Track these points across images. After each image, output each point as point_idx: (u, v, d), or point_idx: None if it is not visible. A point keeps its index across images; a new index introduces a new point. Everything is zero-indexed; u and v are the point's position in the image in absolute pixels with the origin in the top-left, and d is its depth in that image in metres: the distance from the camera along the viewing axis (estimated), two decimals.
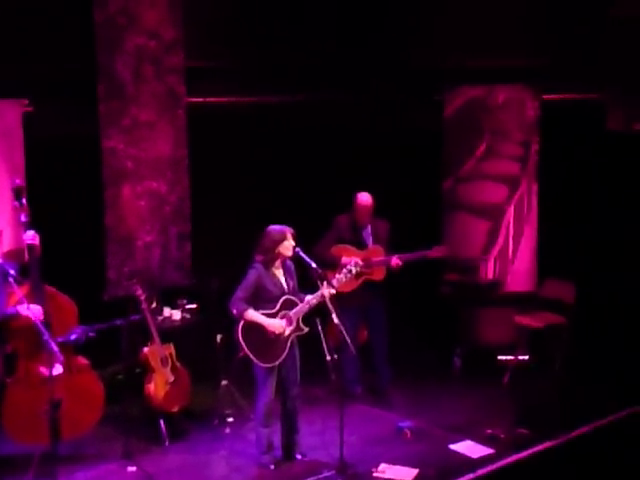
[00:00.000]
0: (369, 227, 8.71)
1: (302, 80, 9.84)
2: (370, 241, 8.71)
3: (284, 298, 7.27)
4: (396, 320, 9.02)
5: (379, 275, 8.63)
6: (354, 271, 7.45)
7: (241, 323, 7.16)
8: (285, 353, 7.25)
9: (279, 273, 7.31)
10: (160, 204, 9.33)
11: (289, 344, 7.27)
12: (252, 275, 7.19)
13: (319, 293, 7.19)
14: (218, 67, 9.48)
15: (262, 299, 7.21)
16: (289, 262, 7.35)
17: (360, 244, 8.67)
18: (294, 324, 7.27)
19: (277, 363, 7.25)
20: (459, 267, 9.98)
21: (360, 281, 8.51)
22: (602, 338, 9.52)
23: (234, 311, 7.14)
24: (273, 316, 7.22)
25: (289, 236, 7.19)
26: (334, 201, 8.84)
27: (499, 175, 9.96)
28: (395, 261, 8.53)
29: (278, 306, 7.24)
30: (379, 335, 8.77)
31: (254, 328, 7.15)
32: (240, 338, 7.14)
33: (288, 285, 7.32)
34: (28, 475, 7.04)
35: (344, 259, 8.37)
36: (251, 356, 7.16)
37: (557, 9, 9.69)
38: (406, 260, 8.57)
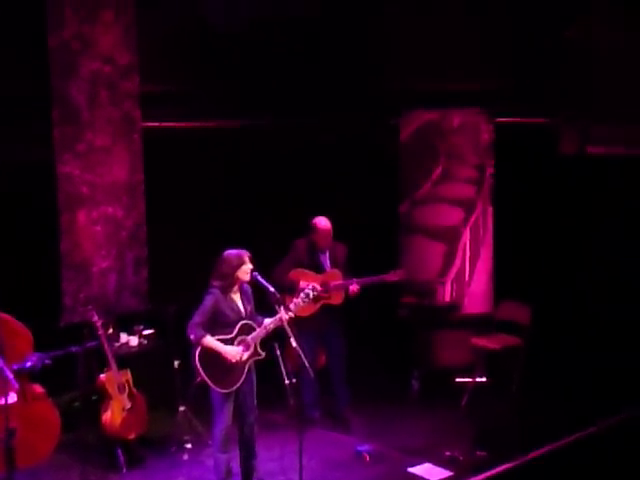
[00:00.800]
0: (327, 251, 8.72)
1: (258, 104, 9.88)
2: (328, 265, 8.72)
3: (242, 323, 7.24)
4: (354, 343, 9.03)
5: (337, 299, 8.64)
6: (312, 295, 7.46)
7: (198, 349, 7.12)
8: (242, 379, 7.22)
9: (236, 297, 7.29)
10: (116, 229, 9.28)
11: (246, 369, 7.25)
12: (209, 300, 7.17)
13: (277, 317, 7.18)
14: (173, 91, 9.47)
15: (219, 324, 7.19)
16: (246, 286, 7.34)
17: (318, 268, 8.68)
18: (252, 349, 7.25)
19: (234, 389, 7.21)
20: (416, 290, 10.03)
21: (318, 305, 8.52)
22: (557, 358, 9.58)
23: (191, 337, 7.11)
24: (231, 341, 7.20)
25: (247, 260, 7.18)
26: (292, 225, 8.85)
27: (455, 198, 10.03)
28: (354, 287, 8.54)
29: (236, 331, 7.22)
30: (337, 359, 8.77)
31: (211, 354, 7.12)
32: (197, 364, 7.10)
33: (245, 309, 7.30)
34: None
35: (302, 283, 8.38)
36: (208, 382, 7.12)
37: (511, 33, 9.81)
38: (364, 284, 8.59)
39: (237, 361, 7.16)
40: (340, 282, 8.62)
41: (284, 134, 10.07)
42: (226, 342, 7.18)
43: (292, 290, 8.32)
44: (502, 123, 9.95)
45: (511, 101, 9.78)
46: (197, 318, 7.12)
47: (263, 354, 7.30)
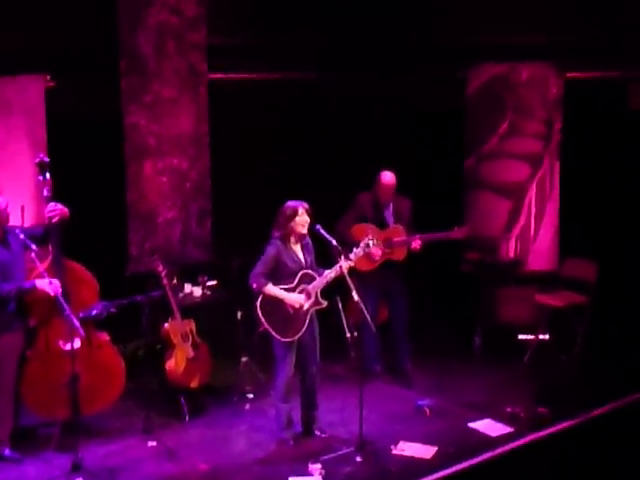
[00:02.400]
0: (391, 206, 8.67)
1: (325, 57, 9.82)
2: (392, 220, 8.66)
3: (302, 272, 7.27)
4: (417, 299, 9.01)
5: (400, 255, 8.60)
6: (372, 245, 7.41)
7: (260, 298, 7.17)
8: (304, 327, 7.26)
9: (297, 248, 7.32)
10: (181, 181, 9.35)
11: (308, 318, 7.28)
12: (270, 250, 7.21)
13: (337, 266, 7.18)
14: (240, 44, 9.46)
15: (281, 274, 7.23)
16: (307, 238, 7.35)
17: (381, 223, 8.65)
18: (313, 298, 7.28)
19: (296, 338, 7.26)
20: (480, 246, 9.95)
21: (380, 260, 8.49)
22: (623, 317, 9.46)
23: (254, 286, 7.16)
24: (292, 291, 7.23)
25: (302, 212, 7.18)
26: (356, 179, 8.82)
27: (521, 153, 9.91)
28: (416, 243, 8.49)
29: (296, 280, 7.25)
30: (399, 314, 8.76)
31: (273, 303, 7.17)
32: (259, 313, 7.15)
33: (306, 260, 7.33)
34: (50, 447, 7.11)
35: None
36: (270, 331, 7.17)
37: None
38: (427, 241, 8.54)
39: (298, 309, 7.20)
40: (403, 238, 8.59)
41: (349, 87, 10.00)
42: (287, 291, 7.23)
43: (354, 245, 8.28)
44: (571, 77, 9.78)
45: (581, 55, 9.59)
46: (259, 268, 7.17)
47: (325, 303, 7.32)
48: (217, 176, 9.52)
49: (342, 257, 7.16)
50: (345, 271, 7.13)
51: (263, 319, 7.15)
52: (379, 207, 8.65)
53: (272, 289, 7.17)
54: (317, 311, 7.40)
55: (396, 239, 8.58)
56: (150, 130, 9.09)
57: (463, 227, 8.75)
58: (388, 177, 8.56)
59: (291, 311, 7.20)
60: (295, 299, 7.21)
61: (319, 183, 9.50)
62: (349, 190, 8.73)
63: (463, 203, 10.08)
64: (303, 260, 7.32)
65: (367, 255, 7.67)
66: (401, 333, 8.76)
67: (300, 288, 7.27)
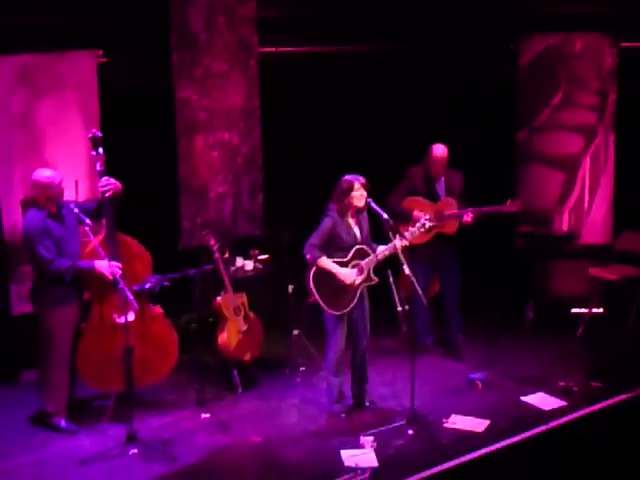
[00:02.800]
0: (442, 179, 8.61)
1: (377, 30, 9.76)
2: (443, 193, 8.61)
3: (356, 247, 7.26)
4: (468, 272, 8.97)
5: (451, 228, 8.56)
6: (428, 226, 7.38)
7: (313, 269, 7.16)
8: (354, 302, 7.26)
9: (352, 222, 7.30)
10: (232, 155, 9.37)
11: (359, 294, 7.28)
12: (327, 223, 7.20)
13: (391, 245, 7.18)
14: (291, 16, 9.43)
15: (335, 247, 7.22)
16: (364, 214, 7.33)
17: (433, 196, 8.60)
18: (365, 274, 7.27)
19: (346, 311, 7.25)
20: (533, 219, 9.88)
21: (432, 234, 8.45)
22: None
23: (307, 257, 7.16)
24: (345, 265, 7.22)
25: (358, 186, 7.16)
26: (408, 152, 8.78)
27: (575, 125, 9.79)
28: (468, 216, 8.43)
29: (350, 255, 7.24)
30: (450, 287, 8.72)
31: (325, 275, 7.16)
32: (311, 284, 7.15)
33: (362, 235, 7.31)
34: (105, 419, 7.21)
35: (416, 212, 8.31)
36: (320, 302, 7.17)
37: None
38: (479, 214, 8.48)
39: (350, 284, 7.18)
40: (455, 212, 8.54)
41: (401, 60, 9.95)
42: (341, 265, 7.21)
43: (406, 218, 8.26)
44: (626, 47, 9.61)
45: (636, 24, 9.41)
46: (314, 239, 7.17)
47: (376, 279, 7.33)
48: (268, 150, 9.52)
49: (397, 236, 7.14)
50: (399, 250, 7.10)
51: (314, 291, 7.15)
52: (430, 180, 8.60)
53: (325, 262, 7.16)
54: (368, 286, 7.40)
55: (448, 212, 8.53)
56: (201, 105, 9.11)
57: (516, 200, 8.67)
58: (440, 150, 8.50)
59: (342, 285, 7.19)
60: (348, 274, 7.20)
61: (370, 157, 9.48)
62: (401, 164, 8.69)
63: (515, 176, 9.98)
64: (358, 234, 7.30)
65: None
66: (452, 307, 8.73)
67: (353, 263, 7.26)
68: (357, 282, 7.24)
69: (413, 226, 7.36)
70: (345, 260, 7.23)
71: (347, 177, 7.21)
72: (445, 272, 8.72)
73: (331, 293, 7.18)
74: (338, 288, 7.19)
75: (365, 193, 7.20)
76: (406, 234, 7.24)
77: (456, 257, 8.67)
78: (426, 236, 8.33)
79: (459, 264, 8.70)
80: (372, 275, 7.31)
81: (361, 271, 7.26)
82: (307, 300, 7.38)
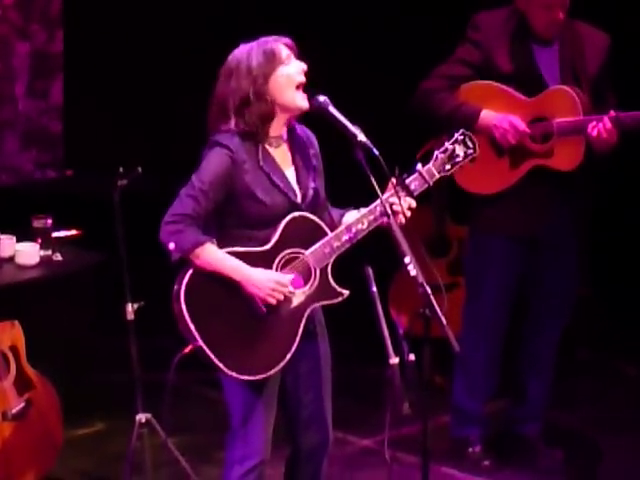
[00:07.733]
0: (556, 44, 4.19)
1: None
2: (553, 75, 4.18)
3: (291, 217, 3.21)
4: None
5: (568, 160, 4.12)
6: (475, 152, 3.28)
7: (187, 276, 3.15)
8: (294, 347, 3.21)
9: (280, 155, 3.27)
10: None
11: (302, 325, 3.24)
12: (217, 161, 3.20)
13: (374, 205, 3.21)
14: None
15: (240, 220, 3.23)
16: (306, 133, 3.35)
17: (528, 82, 4.20)
18: (314, 279, 3.23)
19: (273, 372, 3.21)
20: None
21: (524, 169, 4.12)
22: None
23: (171, 247, 3.16)
24: (266, 260, 3.19)
25: (287, 53, 3.23)
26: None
27: None
28: (603, 127, 4.00)
29: (277, 235, 3.18)
30: (555, 300, 4.32)
31: (217, 288, 3.17)
32: (185, 314, 3.10)
33: (304, 185, 3.31)
34: None
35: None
36: (209, 354, 3.11)
37: None
38: (630, 126, 4.04)
39: (279, 304, 3.18)
40: (578, 117, 4.14)
41: None
42: (256, 259, 3.19)
43: (454, 131, 3.56)
44: None
45: None
46: (186, 204, 3.16)
47: (344, 293, 3.26)
48: None
49: (391, 182, 3.24)
50: (395, 225, 3.18)
51: (193, 327, 3.12)
52: (526, 45, 4.19)
53: (217, 255, 3.17)
54: (327, 309, 3.36)
55: (560, 120, 4.14)
56: None
57: None
58: None
59: (262, 309, 3.18)
60: (271, 284, 3.17)
61: None
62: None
63: None
64: (295, 185, 3.31)
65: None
66: (544, 350, 4.38)
67: (285, 254, 3.22)
68: (295, 302, 3.22)
69: (441, 150, 3.28)
70: (266, 249, 3.20)
71: (243, 47, 3.24)
72: (552, 261, 4.30)
73: (234, 331, 3.19)
74: (250, 316, 3.19)
75: (305, 67, 3.23)
76: (423, 171, 3.23)
77: (577, 227, 4.31)
78: (513, 176, 4.09)
79: (582, 243, 4.28)
80: (333, 282, 3.25)
81: (304, 272, 3.20)
82: (181, 350, 3.23)
